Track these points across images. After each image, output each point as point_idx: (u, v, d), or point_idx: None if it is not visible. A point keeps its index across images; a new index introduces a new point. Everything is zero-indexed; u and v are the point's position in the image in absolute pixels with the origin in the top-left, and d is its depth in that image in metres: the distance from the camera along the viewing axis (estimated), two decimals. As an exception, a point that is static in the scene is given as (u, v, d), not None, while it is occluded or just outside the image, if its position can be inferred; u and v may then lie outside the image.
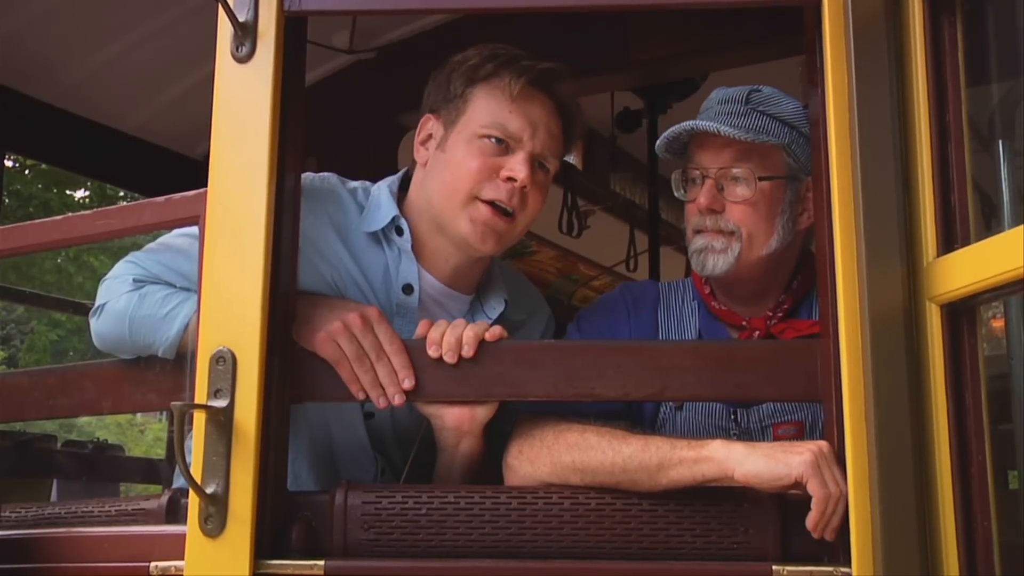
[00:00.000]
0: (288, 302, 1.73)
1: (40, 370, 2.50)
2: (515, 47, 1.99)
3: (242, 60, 1.67)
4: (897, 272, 1.55)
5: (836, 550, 1.55)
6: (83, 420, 12.21)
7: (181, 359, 1.82)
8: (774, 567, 1.56)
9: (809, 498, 1.53)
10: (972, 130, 1.58)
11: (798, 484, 1.54)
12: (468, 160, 1.92)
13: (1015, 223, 1.66)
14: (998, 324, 1.86)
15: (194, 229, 1.77)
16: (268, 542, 1.60)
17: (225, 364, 1.59)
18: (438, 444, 1.87)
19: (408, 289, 1.99)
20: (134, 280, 1.91)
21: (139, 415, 14.71)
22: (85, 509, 1.97)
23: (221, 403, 1.58)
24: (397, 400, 1.73)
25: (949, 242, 1.54)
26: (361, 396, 1.74)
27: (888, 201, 1.56)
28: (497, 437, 1.84)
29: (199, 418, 1.60)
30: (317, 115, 3.15)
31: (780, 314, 2.02)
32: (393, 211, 2.00)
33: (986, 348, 1.53)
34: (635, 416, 1.96)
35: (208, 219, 1.66)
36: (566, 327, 2.12)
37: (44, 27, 3.09)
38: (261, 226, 1.63)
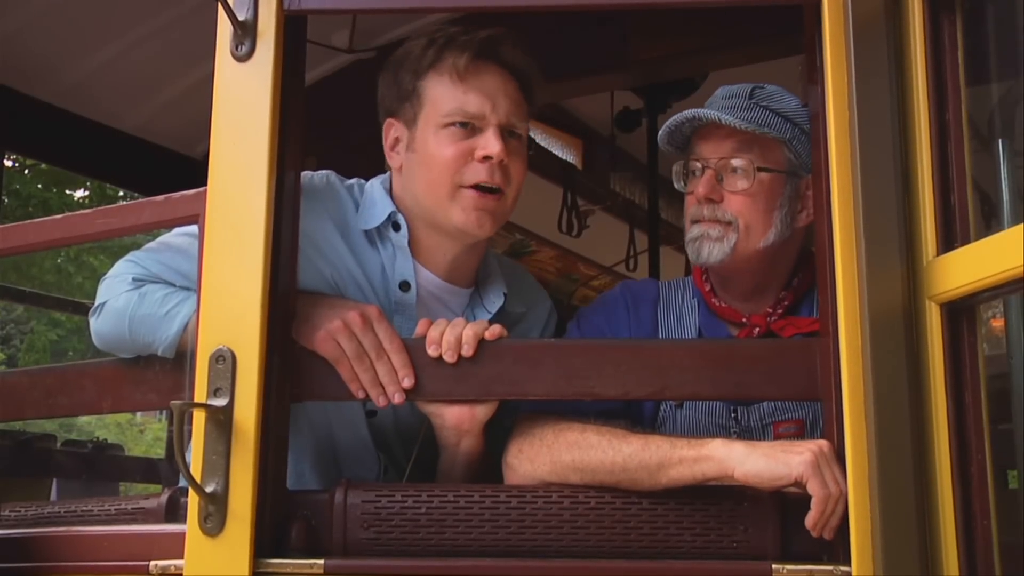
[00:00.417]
0: (288, 301, 1.72)
1: (40, 369, 2.50)
2: (454, 26, 1.97)
3: (242, 59, 1.67)
4: (897, 271, 1.55)
5: (836, 549, 1.55)
6: (83, 419, 12.22)
7: (181, 358, 1.82)
8: (774, 566, 1.56)
9: (809, 497, 1.53)
10: (972, 129, 1.58)
11: (798, 483, 1.54)
12: (440, 152, 1.91)
13: (1015, 222, 1.66)
14: (998, 323, 1.86)
15: (194, 228, 1.77)
16: (268, 541, 1.60)
17: (225, 363, 1.59)
18: (439, 443, 1.87)
19: (405, 286, 1.99)
20: (134, 279, 1.91)
21: (139, 414, 14.72)
22: (85, 508, 1.97)
23: (221, 402, 1.58)
24: (397, 399, 1.73)
25: (949, 241, 1.54)
26: (361, 395, 1.74)
27: (888, 200, 1.56)
28: (500, 433, 1.84)
29: (199, 417, 1.60)
30: (317, 114, 3.15)
31: (780, 311, 2.02)
32: (389, 207, 2.00)
33: (986, 347, 1.53)
34: (635, 415, 1.96)
35: (208, 218, 1.66)
36: (566, 326, 2.13)
37: (44, 27, 3.09)
38: (261, 225, 1.63)
